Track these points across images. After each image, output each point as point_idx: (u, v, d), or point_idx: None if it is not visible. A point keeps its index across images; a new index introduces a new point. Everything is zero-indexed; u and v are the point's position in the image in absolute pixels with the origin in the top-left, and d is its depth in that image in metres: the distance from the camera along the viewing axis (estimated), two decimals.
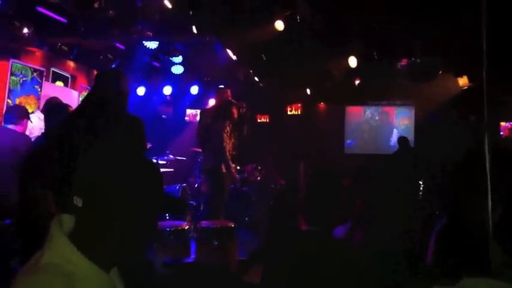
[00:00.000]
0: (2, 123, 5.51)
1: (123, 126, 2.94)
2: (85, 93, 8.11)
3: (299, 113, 12.19)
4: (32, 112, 6.64)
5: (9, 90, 7.14)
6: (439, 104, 10.11)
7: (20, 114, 5.42)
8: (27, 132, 5.58)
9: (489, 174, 1.50)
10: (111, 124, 2.73)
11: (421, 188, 6.17)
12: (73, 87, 8.60)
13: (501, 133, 10.55)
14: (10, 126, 5.27)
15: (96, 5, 6.48)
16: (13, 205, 4.14)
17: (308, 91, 11.12)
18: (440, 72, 8.77)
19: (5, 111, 5.68)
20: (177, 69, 9.92)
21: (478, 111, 2.66)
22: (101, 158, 1.06)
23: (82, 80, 9.04)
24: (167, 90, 11.25)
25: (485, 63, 1.60)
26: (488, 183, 1.49)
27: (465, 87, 9.32)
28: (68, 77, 8.54)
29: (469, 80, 9.03)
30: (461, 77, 9.23)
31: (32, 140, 5.20)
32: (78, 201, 1.05)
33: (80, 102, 5.89)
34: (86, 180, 1.05)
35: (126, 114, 3.51)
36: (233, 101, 6.90)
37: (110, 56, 9.01)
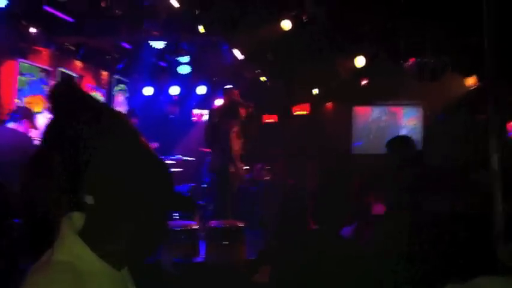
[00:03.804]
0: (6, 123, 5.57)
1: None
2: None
3: (306, 113, 12.15)
4: (40, 112, 6.66)
5: (17, 90, 7.17)
6: (447, 104, 10.03)
7: (23, 114, 5.48)
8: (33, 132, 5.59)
9: (498, 173, 1.49)
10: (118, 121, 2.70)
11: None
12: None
13: (510, 133, 10.43)
14: (12, 125, 5.30)
15: (103, 4, 6.50)
16: (20, 203, 4.15)
17: (316, 91, 11.09)
18: (448, 71, 8.71)
19: (12, 111, 5.77)
20: (184, 69, 9.89)
21: (487, 111, 2.65)
22: (111, 155, 1.06)
23: (89, 80, 9.06)
24: (174, 90, 11.21)
25: (490, 62, 1.59)
26: (498, 183, 1.48)
27: (474, 87, 9.26)
28: (75, 77, 8.57)
29: (478, 79, 8.98)
30: (470, 77, 9.18)
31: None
32: (88, 199, 1.05)
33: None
34: (95, 177, 1.05)
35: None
36: (241, 101, 6.90)
37: (116, 55, 9.04)
